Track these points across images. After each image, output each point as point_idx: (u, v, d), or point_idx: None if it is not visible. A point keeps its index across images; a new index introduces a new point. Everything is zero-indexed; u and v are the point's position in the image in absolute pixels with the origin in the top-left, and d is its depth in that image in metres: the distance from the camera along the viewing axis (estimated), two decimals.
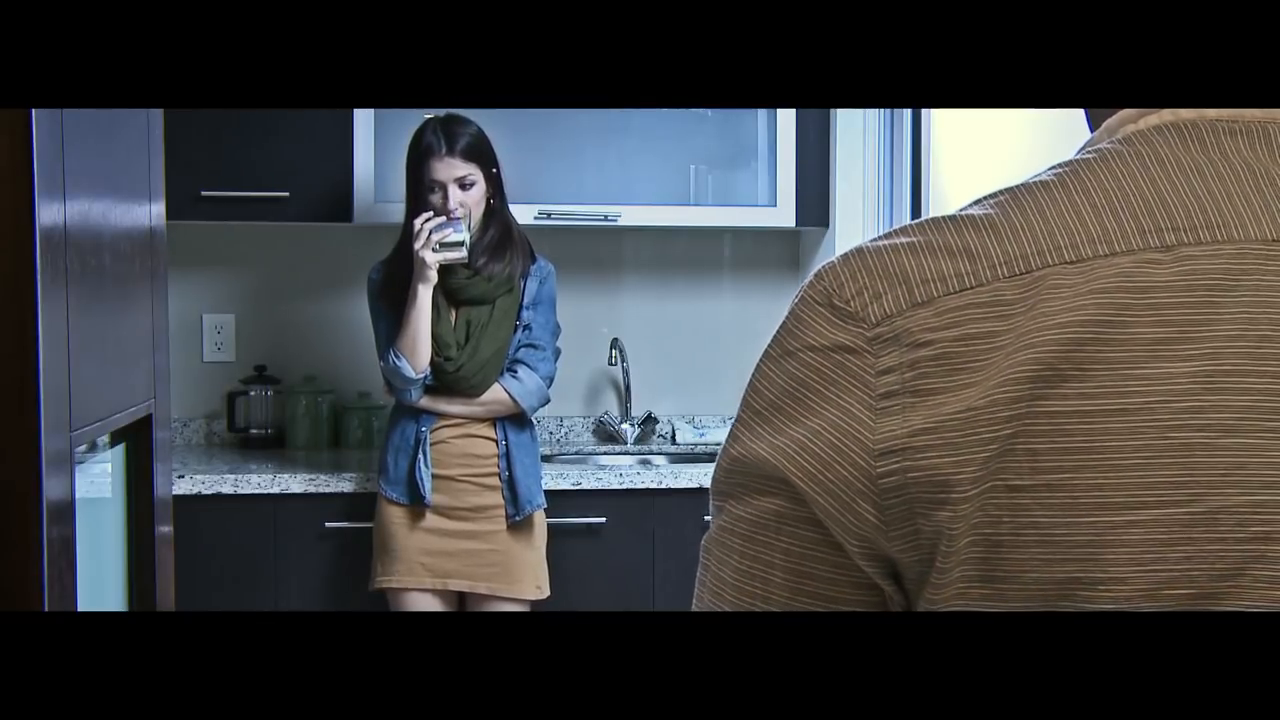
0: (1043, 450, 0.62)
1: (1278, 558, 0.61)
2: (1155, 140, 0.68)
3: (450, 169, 2.98)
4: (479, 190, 3.02)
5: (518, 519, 3.04)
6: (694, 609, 0.75)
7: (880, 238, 0.70)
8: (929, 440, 0.64)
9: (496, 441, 3.07)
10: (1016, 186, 0.69)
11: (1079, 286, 0.64)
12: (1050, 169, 0.70)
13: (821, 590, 0.69)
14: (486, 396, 3.05)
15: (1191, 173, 0.66)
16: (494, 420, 3.07)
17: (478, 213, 3.03)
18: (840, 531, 0.67)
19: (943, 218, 0.69)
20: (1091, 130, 0.74)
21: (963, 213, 0.69)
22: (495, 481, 3.05)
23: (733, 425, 0.72)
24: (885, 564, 0.67)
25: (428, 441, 3.04)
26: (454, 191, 2.99)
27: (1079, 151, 0.71)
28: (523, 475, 3.05)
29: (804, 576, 0.69)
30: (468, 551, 3.04)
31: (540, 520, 3.11)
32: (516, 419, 3.09)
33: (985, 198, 0.70)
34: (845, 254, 0.70)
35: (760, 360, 0.71)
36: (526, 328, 3.09)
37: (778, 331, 0.71)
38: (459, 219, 2.97)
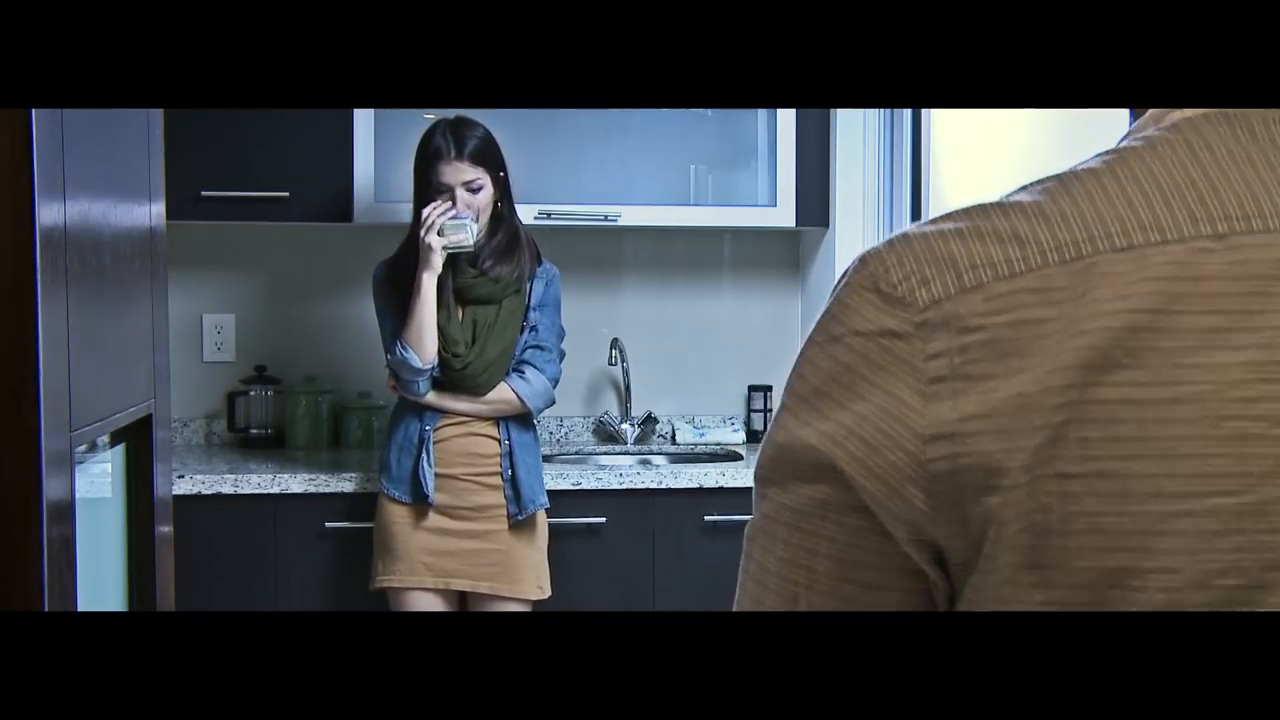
0: (1094, 438, 0.62)
1: None
2: (1204, 128, 0.67)
3: (458, 173, 2.98)
4: (486, 194, 3.02)
5: (520, 518, 3.04)
6: (737, 598, 0.74)
7: (925, 223, 0.69)
8: (980, 425, 0.63)
9: (499, 441, 3.07)
10: (1064, 173, 0.69)
11: (1131, 274, 0.63)
12: (1097, 156, 0.69)
13: (867, 577, 0.68)
14: (493, 396, 3.05)
15: (1243, 162, 0.66)
16: (498, 420, 3.07)
17: (485, 216, 3.03)
18: (888, 517, 0.66)
19: (989, 204, 0.68)
20: (1132, 119, 0.73)
21: (1010, 199, 0.68)
22: (498, 481, 3.05)
23: (777, 413, 0.72)
24: (932, 550, 0.67)
25: (431, 440, 3.04)
26: (461, 195, 2.98)
27: (1124, 138, 0.70)
28: (525, 475, 3.05)
29: (849, 564, 0.68)
30: (469, 551, 3.03)
31: (542, 520, 3.11)
32: (520, 419, 3.09)
33: (1032, 184, 0.69)
34: (890, 239, 0.69)
35: (804, 346, 0.71)
36: (533, 329, 3.09)
37: (822, 317, 0.70)
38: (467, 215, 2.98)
